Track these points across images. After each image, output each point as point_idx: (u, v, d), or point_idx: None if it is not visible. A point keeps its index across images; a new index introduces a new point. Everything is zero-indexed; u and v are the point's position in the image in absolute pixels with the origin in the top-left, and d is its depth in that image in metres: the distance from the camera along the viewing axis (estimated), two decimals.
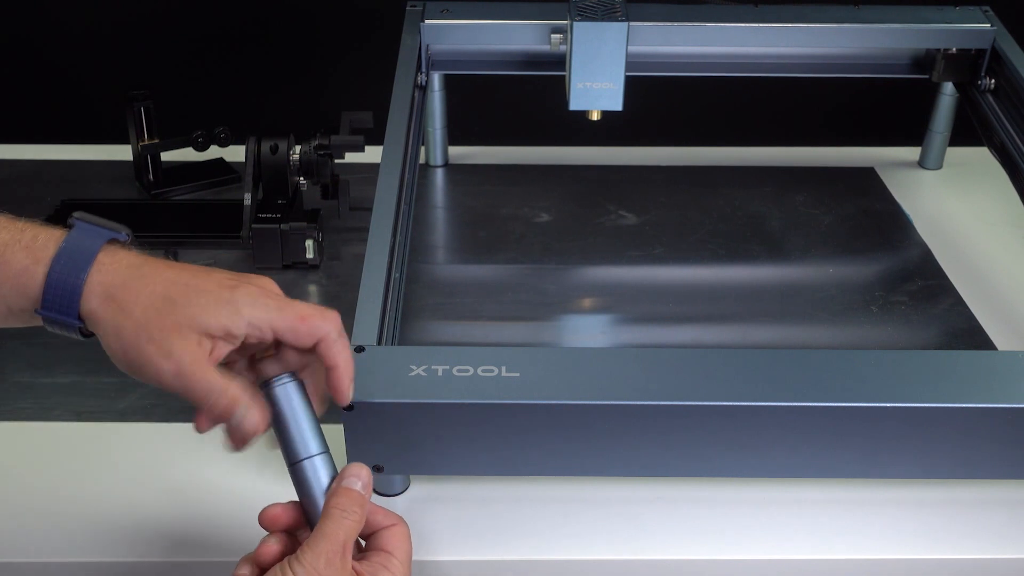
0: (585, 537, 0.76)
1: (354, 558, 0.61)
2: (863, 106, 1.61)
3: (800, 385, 0.71)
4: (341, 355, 0.64)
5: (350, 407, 0.69)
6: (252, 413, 0.62)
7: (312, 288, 1.06)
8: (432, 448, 0.72)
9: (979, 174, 1.30)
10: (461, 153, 1.34)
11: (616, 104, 1.09)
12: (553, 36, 1.13)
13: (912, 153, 1.34)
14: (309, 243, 1.07)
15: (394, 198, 0.90)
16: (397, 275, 0.86)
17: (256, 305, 0.62)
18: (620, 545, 0.75)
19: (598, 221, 1.20)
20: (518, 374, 0.71)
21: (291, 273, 1.08)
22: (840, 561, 0.75)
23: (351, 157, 1.11)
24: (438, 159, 1.32)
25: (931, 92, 1.28)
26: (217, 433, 0.86)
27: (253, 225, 1.07)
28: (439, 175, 1.31)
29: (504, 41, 1.18)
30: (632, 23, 1.06)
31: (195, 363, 0.60)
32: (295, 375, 0.64)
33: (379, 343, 0.76)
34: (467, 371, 0.71)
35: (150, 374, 0.61)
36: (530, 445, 0.72)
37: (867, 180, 1.30)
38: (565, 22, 1.09)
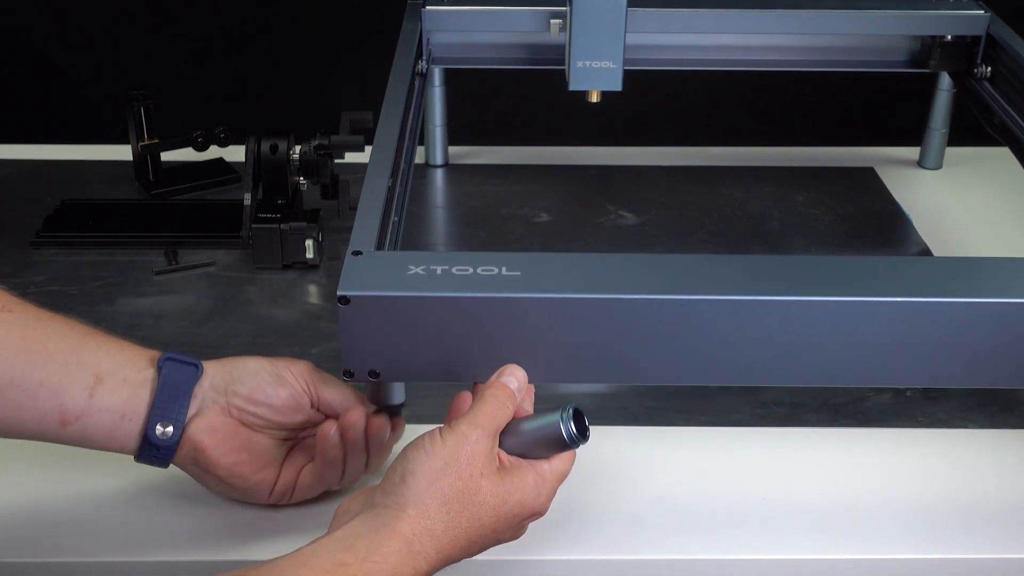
0: (585, 537, 0.76)
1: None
2: (862, 106, 1.61)
3: (803, 282, 0.70)
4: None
5: (345, 300, 0.68)
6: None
7: (312, 288, 1.06)
8: (429, 351, 0.70)
9: (979, 173, 1.30)
10: (461, 153, 1.34)
11: (616, 84, 1.09)
12: (553, 22, 1.13)
13: (912, 153, 1.34)
14: (309, 243, 1.07)
15: (398, 121, 0.90)
16: (396, 218, 0.85)
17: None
18: (620, 545, 0.75)
19: (598, 221, 1.20)
20: (519, 273, 0.70)
21: (291, 273, 1.08)
22: (840, 561, 0.75)
23: (351, 157, 1.11)
24: (438, 159, 1.32)
25: (929, 90, 1.28)
26: None
27: (253, 225, 1.07)
28: (439, 175, 1.31)
29: (504, 27, 1.18)
30: (631, 8, 1.06)
31: None
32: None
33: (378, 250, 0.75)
34: (467, 270, 0.70)
35: None
36: (529, 345, 0.70)
37: (867, 180, 1.30)
38: (565, 8, 1.10)
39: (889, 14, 1.16)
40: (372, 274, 0.70)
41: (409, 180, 0.94)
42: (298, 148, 1.10)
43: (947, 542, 0.76)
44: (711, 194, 1.25)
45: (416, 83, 1.08)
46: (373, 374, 0.71)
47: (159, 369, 0.70)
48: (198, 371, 0.71)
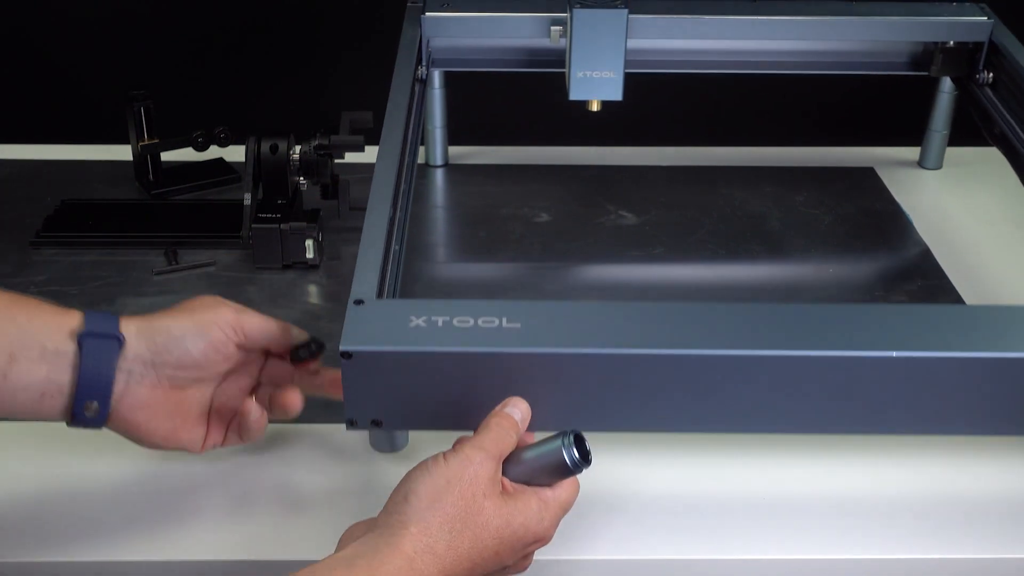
0: (585, 537, 0.76)
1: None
2: (863, 106, 1.61)
3: (802, 335, 0.70)
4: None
5: (348, 355, 0.69)
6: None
7: (312, 288, 1.06)
8: (431, 401, 0.71)
9: (979, 174, 1.30)
10: (461, 153, 1.34)
11: (616, 94, 1.09)
12: (553, 29, 1.13)
13: (912, 153, 1.34)
14: (309, 243, 1.07)
15: (396, 158, 0.90)
16: (397, 247, 0.85)
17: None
18: (620, 545, 0.75)
19: (598, 221, 1.20)
20: (519, 325, 0.70)
21: (291, 273, 1.08)
22: (840, 561, 0.75)
23: (351, 157, 1.11)
24: (438, 159, 1.32)
25: (930, 91, 1.28)
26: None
27: (253, 225, 1.07)
28: (439, 175, 1.31)
29: (504, 34, 1.18)
30: (632, 15, 1.06)
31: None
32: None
33: (379, 297, 0.75)
34: (467, 322, 0.70)
35: None
36: (531, 397, 0.70)
37: (867, 180, 1.30)
38: (565, 15, 1.09)
39: (892, 20, 1.16)
40: (374, 327, 0.70)
41: (411, 198, 0.94)
42: (298, 148, 1.10)
43: (947, 542, 0.76)
44: (711, 194, 1.25)
45: (416, 89, 1.08)
46: (376, 423, 0.72)
47: (79, 345, 0.68)
48: (120, 344, 0.69)
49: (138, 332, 0.70)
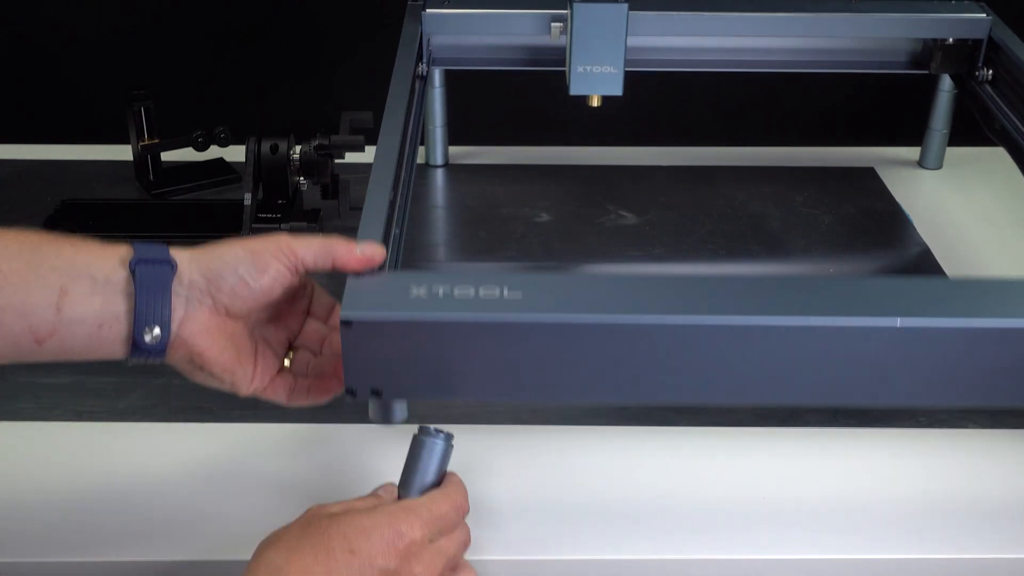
0: (585, 537, 0.76)
1: None
2: (863, 106, 1.61)
3: (809, 304, 0.69)
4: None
5: (348, 323, 0.68)
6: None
7: None
8: (431, 371, 0.70)
9: (979, 174, 1.30)
10: (461, 153, 1.34)
11: (616, 89, 1.09)
12: (553, 25, 1.13)
13: (912, 153, 1.34)
14: None
15: (398, 137, 0.90)
16: (397, 231, 0.85)
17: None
18: (620, 545, 0.75)
19: (598, 221, 1.20)
20: (520, 295, 0.69)
21: None
22: (840, 561, 0.75)
23: (351, 157, 1.11)
24: (438, 159, 1.32)
25: (930, 90, 1.28)
26: (216, 436, 0.86)
27: (253, 225, 1.07)
28: (439, 175, 1.31)
29: (505, 31, 1.18)
30: (631, 12, 1.06)
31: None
32: (450, 439, 0.70)
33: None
34: (469, 292, 0.70)
35: None
36: (531, 366, 0.70)
37: (867, 180, 1.30)
38: (565, 11, 1.10)
39: (891, 17, 1.16)
40: (374, 296, 0.70)
41: (411, 188, 0.94)
42: (298, 148, 1.10)
43: (947, 542, 0.76)
44: (711, 194, 1.25)
45: (416, 86, 1.08)
46: (375, 392, 0.71)
47: (132, 272, 0.66)
48: (173, 269, 0.68)
49: (191, 259, 0.69)
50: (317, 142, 1.10)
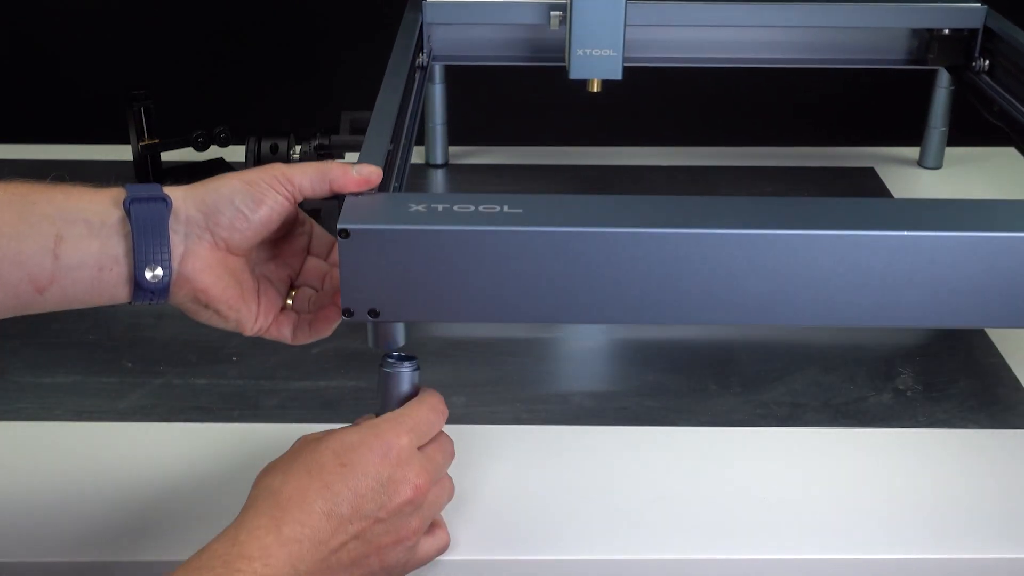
0: (585, 537, 0.76)
1: None
2: (862, 105, 1.61)
3: (809, 217, 0.69)
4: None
5: (346, 233, 0.67)
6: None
7: None
8: (429, 288, 0.69)
9: (979, 173, 1.30)
10: (461, 152, 1.34)
11: (616, 73, 1.09)
12: (553, 14, 1.14)
13: (912, 152, 1.34)
14: None
15: (402, 78, 0.91)
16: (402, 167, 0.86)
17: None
18: (620, 545, 0.75)
19: None
20: (521, 211, 0.69)
21: None
22: (840, 561, 0.75)
23: (351, 157, 1.10)
24: (438, 158, 1.32)
25: (928, 89, 1.28)
26: (216, 436, 0.86)
27: None
28: (439, 175, 1.31)
29: (505, 19, 1.18)
30: (629, 2, 1.06)
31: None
32: (415, 361, 0.73)
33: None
34: (468, 208, 0.69)
35: None
36: (531, 283, 0.69)
37: (867, 180, 1.30)
38: (564, 0, 1.10)
39: (886, 7, 1.17)
40: (374, 210, 0.70)
41: (408, 159, 0.93)
42: (298, 148, 1.10)
43: (947, 542, 0.76)
44: (711, 194, 1.25)
45: (416, 75, 1.08)
46: (373, 313, 0.70)
47: (127, 211, 0.66)
48: (167, 205, 0.67)
49: (186, 196, 0.68)
50: (317, 142, 1.10)
